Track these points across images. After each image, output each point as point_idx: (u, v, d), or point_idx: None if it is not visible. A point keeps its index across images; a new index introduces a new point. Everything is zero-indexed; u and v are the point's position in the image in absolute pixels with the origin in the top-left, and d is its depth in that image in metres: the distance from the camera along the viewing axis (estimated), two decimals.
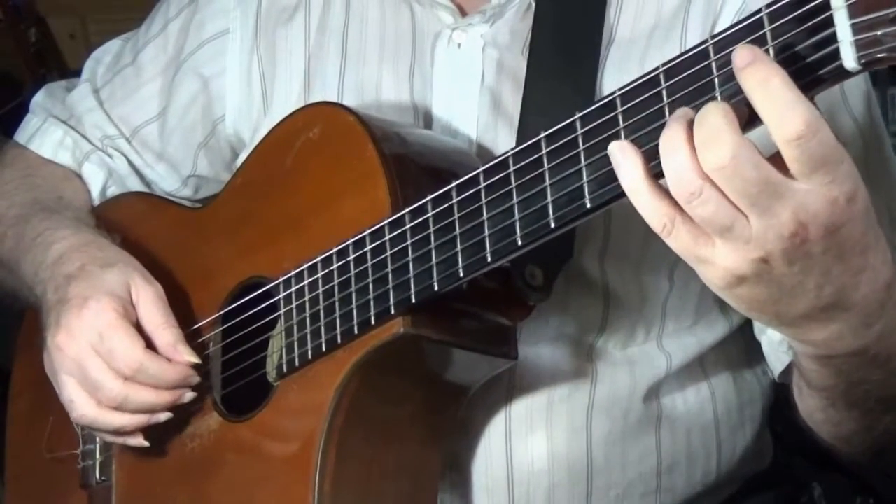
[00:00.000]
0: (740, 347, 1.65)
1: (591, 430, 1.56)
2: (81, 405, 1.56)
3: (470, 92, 1.60)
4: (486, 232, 1.29)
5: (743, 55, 1.04)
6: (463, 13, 1.63)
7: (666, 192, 1.09)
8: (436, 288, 1.34)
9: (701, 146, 1.06)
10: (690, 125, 1.08)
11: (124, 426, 1.57)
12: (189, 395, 1.56)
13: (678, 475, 1.62)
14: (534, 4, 1.57)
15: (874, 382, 1.29)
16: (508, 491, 1.57)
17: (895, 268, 1.20)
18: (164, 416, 1.57)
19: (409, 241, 1.36)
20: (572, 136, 1.20)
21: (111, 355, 1.54)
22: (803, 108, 1.03)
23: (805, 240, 1.08)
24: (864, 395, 1.32)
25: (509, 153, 1.27)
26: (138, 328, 1.56)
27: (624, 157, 1.11)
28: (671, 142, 1.08)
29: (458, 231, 1.32)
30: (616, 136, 1.15)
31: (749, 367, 1.67)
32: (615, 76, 1.51)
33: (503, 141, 1.55)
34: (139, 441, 1.59)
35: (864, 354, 1.23)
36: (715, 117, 1.05)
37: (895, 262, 1.20)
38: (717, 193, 1.07)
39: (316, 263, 1.47)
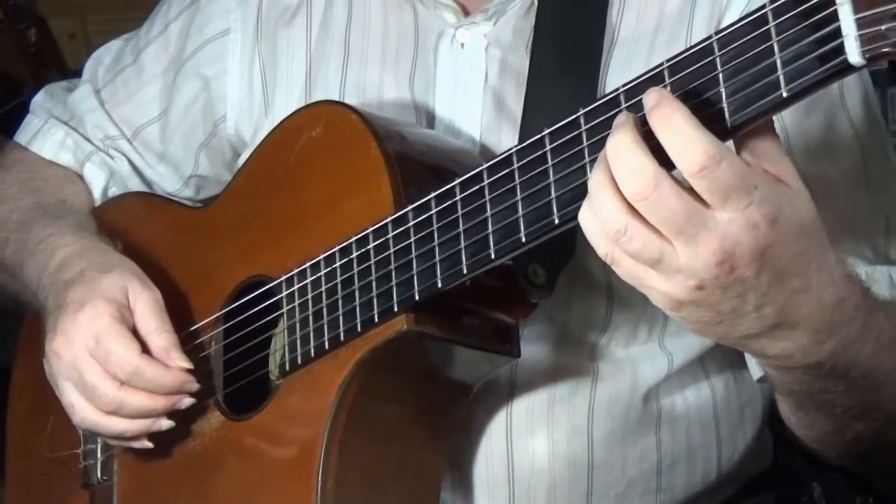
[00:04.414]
0: None
1: (593, 429, 1.57)
2: (82, 409, 1.56)
3: (473, 91, 1.60)
4: (490, 229, 1.29)
5: (650, 98, 1.09)
6: (466, 12, 1.63)
7: None
8: (440, 285, 1.34)
9: (621, 180, 1.09)
10: None
11: (125, 431, 1.57)
12: (187, 402, 1.56)
13: (678, 474, 1.63)
14: (536, 3, 1.57)
15: (838, 392, 1.31)
16: (509, 490, 1.57)
17: (849, 285, 1.22)
18: (166, 424, 1.57)
19: (412, 239, 1.36)
20: (576, 132, 1.20)
21: (107, 359, 1.54)
22: (703, 141, 1.06)
23: (734, 266, 1.10)
24: (829, 402, 1.33)
25: (513, 150, 1.27)
26: (135, 333, 1.56)
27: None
28: (595, 184, 1.12)
29: (461, 228, 1.32)
30: None
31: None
32: (619, 77, 1.51)
33: (506, 140, 1.55)
34: (143, 443, 1.59)
35: (820, 368, 1.25)
36: (627, 149, 1.09)
37: (846, 281, 1.21)
38: (643, 228, 1.10)
39: (318, 261, 1.47)
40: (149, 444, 1.59)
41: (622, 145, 1.09)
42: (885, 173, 1.57)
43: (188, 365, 1.55)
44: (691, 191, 1.08)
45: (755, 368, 1.52)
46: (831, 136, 1.53)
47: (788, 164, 1.12)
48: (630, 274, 1.14)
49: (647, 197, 1.08)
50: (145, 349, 1.55)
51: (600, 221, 1.12)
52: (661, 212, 1.08)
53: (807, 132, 1.51)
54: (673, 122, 1.07)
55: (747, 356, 1.54)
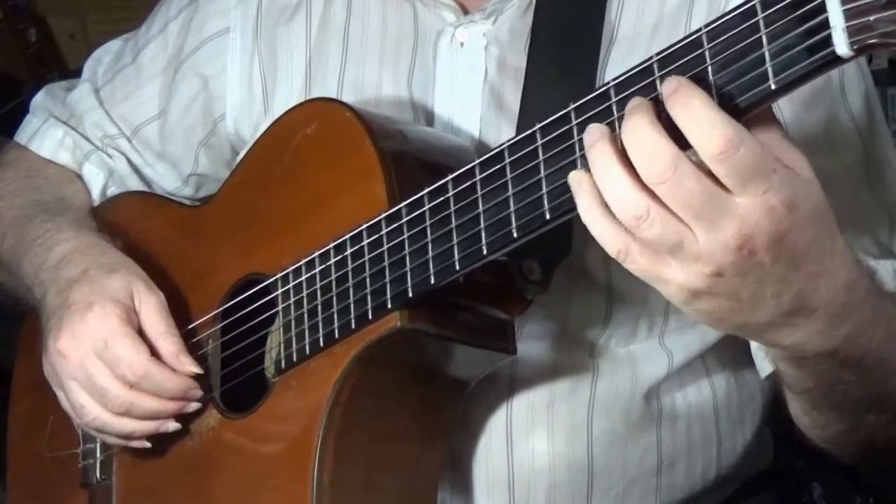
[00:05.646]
0: (741, 346, 1.63)
1: (592, 428, 1.56)
2: (92, 410, 1.56)
3: (472, 90, 1.60)
4: (482, 224, 1.28)
5: (670, 84, 1.08)
6: (465, 11, 1.63)
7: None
8: (432, 281, 1.33)
9: (639, 162, 1.08)
10: (618, 147, 1.10)
11: (133, 432, 1.58)
12: (193, 406, 1.57)
13: (678, 473, 1.62)
14: (534, 1, 1.57)
15: (850, 383, 1.30)
16: (509, 489, 1.57)
17: (858, 269, 1.21)
18: (173, 426, 1.58)
19: (405, 235, 1.36)
20: (567, 126, 1.19)
21: (116, 362, 1.54)
22: (723, 125, 1.05)
23: (753, 251, 1.09)
24: (842, 395, 1.32)
25: (504, 145, 1.27)
26: (140, 335, 1.56)
27: (580, 188, 1.13)
28: (604, 167, 1.10)
29: (454, 224, 1.31)
30: (611, 126, 1.15)
31: (750, 366, 1.65)
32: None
33: (505, 138, 1.54)
34: (142, 443, 1.60)
35: (835, 356, 1.24)
36: (646, 131, 1.08)
37: (856, 265, 1.21)
38: (663, 212, 1.08)
39: (313, 259, 1.46)
40: (147, 444, 1.60)
41: (639, 127, 1.08)
42: (887, 169, 1.57)
43: (199, 370, 1.56)
44: (710, 174, 1.07)
45: (764, 365, 1.52)
46: (832, 132, 1.53)
47: (797, 151, 1.11)
48: (645, 268, 1.12)
49: (668, 179, 1.07)
50: (152, 352, 1.55)
51: (615, 208, 1.10)
52: (680, 194, 1.07)
53: (807, 127, 1.50)
54: (693, 107, 1.06)
55: (756, 354, 1.54)
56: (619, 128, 1.12)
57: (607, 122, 1.16)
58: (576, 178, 1.14)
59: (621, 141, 1.10)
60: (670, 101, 1.07)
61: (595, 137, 1.12)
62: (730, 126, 1.05)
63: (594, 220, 1.12)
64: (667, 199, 1.08)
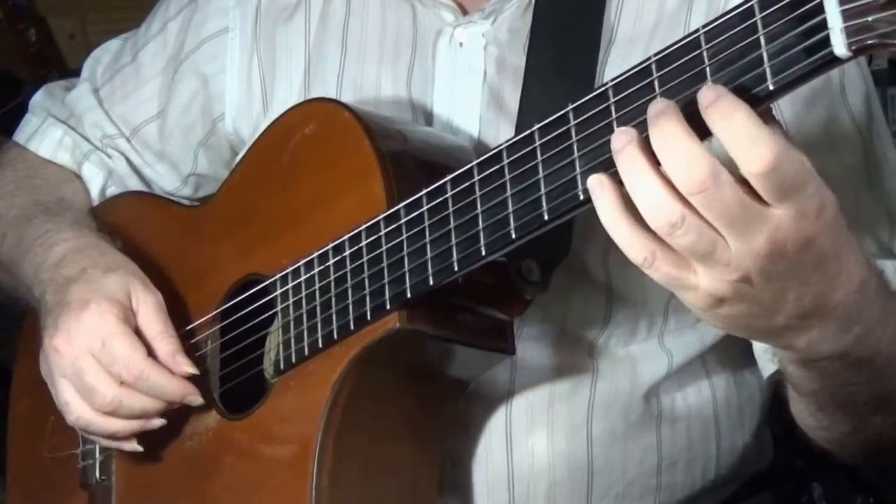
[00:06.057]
0: (741, 346, 1.64)
1: (592, 428, 1.56)
2: (77, 408, 1.56)
3: (472, 90, 1.60)
4: (481, 225, 1.28)
5: (707, 94, 1.05)
6: (464, 11, 1.63)
7: (645, 224, 1.09)
8: (431, 282, 1.33)
9: (674, 172, 1.06)
10: (647, 150, 1.08)
11: (119, 431, 1.57)
12: (196, 400, 1.56)
13: (678, 474, 1.62)
14: (533, 2, 1.56)
15: (859, 384, 1.30)
16: (509, 489, 1.56)
17: (868, 268, 1.21)
18: (157, 423, 1.57)
19: (404, 236, 1.36)
20: (565, 127, 1.19)
21: (113, 360, 1.53)
22: (766, 143, 1.03)
23: (782, 256, 1.09)
24: (850, 396, 1.32)
25: (503, 146, 1.26)
26: (137, 335, 1.56)
27: (602, 191, 1.11)
28: (636, 174, 1.08)
29: (452, 225, 1.31)
30: (609, 127, 1.15)
31: (749, 366, 1.66)
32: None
33: (504, 139, 1.54)
34: (133, 446, 1.59)
35: (846, 358, 1.24)
36: (678, 139, 1.06)
37: (867, 264, 1.21)
38: (698, 220, 1.07)
39: (312, 259, 1.46)
40: (138, 448, 1.59)
41: (670, 134, 1.06)
42: (886, 169, 1.57)
43: (195, 371, 1.55)
44: (744, 183, 1.06)
45: (767, 365, 1.52)
46: (832, 131, 1.52)
47: (798, 153, 1.09)
48: (669, 274, 1.11)
49: (707, 189, 1.05)
50: (148, 352, 1.55)
51: (647, 215, 1.08)
52: (716, 205, 1.05)
53: (807, 127, 1.50)
54: (736, 121, 1.03)
55: (760, 355, 1.54)
56: (617, 126, 1.12)
57: (605, 122, 1.16)
58: (597, 181, 1.12)
59: (649, 145, 1.08)
60: (709, 112, 1.04)
61: (624, 142, 1.09)
62: (773, 142, 1.03)
63: (617, 225, 1.10)
64: (702, 208, 1.06)
